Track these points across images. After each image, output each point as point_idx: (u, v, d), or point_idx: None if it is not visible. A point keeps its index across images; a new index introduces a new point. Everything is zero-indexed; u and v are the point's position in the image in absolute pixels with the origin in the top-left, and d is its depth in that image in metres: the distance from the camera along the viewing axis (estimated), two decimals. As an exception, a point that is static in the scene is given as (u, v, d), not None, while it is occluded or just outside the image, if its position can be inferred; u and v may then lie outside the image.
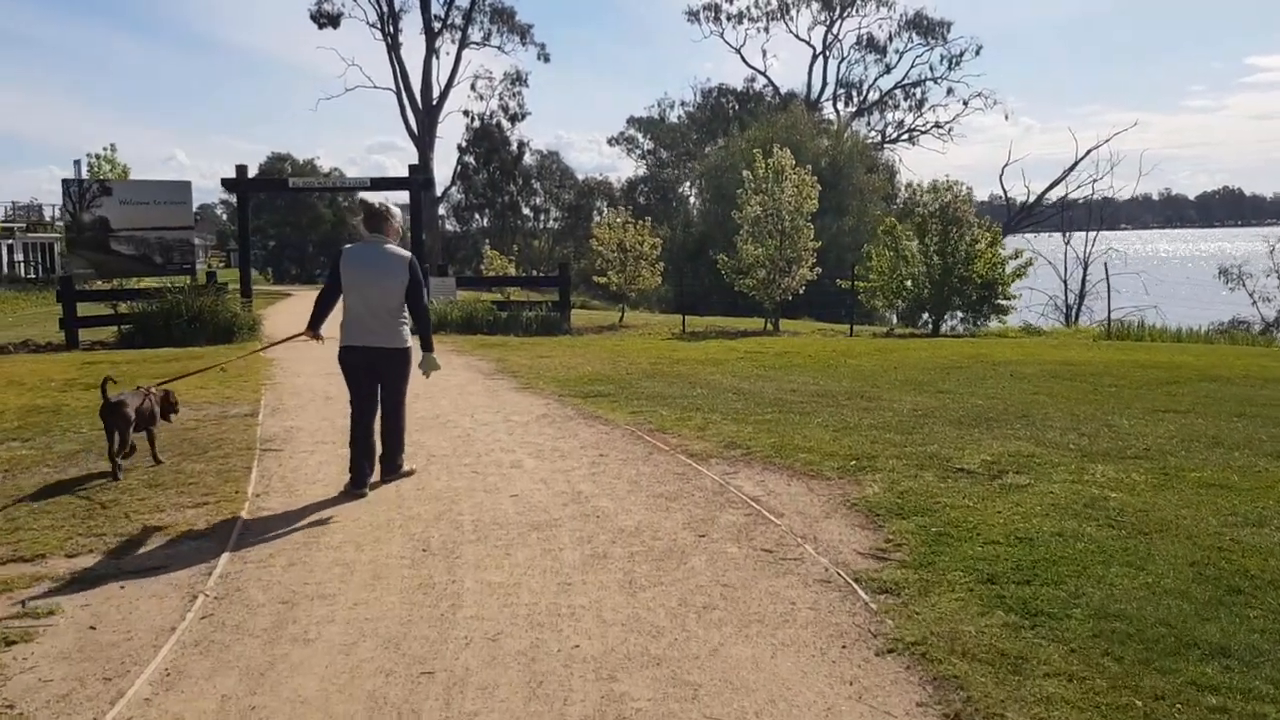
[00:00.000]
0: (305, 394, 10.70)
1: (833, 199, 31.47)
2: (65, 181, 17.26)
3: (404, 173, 21.39)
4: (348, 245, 6.69)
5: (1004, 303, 20.09)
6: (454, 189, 63.65)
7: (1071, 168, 51.94)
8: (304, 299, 34.78)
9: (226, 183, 18.77)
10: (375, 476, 6.58)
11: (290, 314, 25.32)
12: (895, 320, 25.57)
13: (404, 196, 20.41)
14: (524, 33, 59.60)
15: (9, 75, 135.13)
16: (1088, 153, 52.65)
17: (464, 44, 57.62)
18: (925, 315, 20.52)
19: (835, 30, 62.08)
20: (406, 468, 6.82)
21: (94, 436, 8.37)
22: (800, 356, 14.05)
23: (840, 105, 62.32)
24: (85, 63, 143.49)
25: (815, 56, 62.41)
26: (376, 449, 6.60)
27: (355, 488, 6.38)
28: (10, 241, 45.23)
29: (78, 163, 18.99)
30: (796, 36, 63.27)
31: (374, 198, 6.69)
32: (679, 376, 11.62)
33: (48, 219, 47.73)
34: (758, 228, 19.18)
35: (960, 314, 20.61)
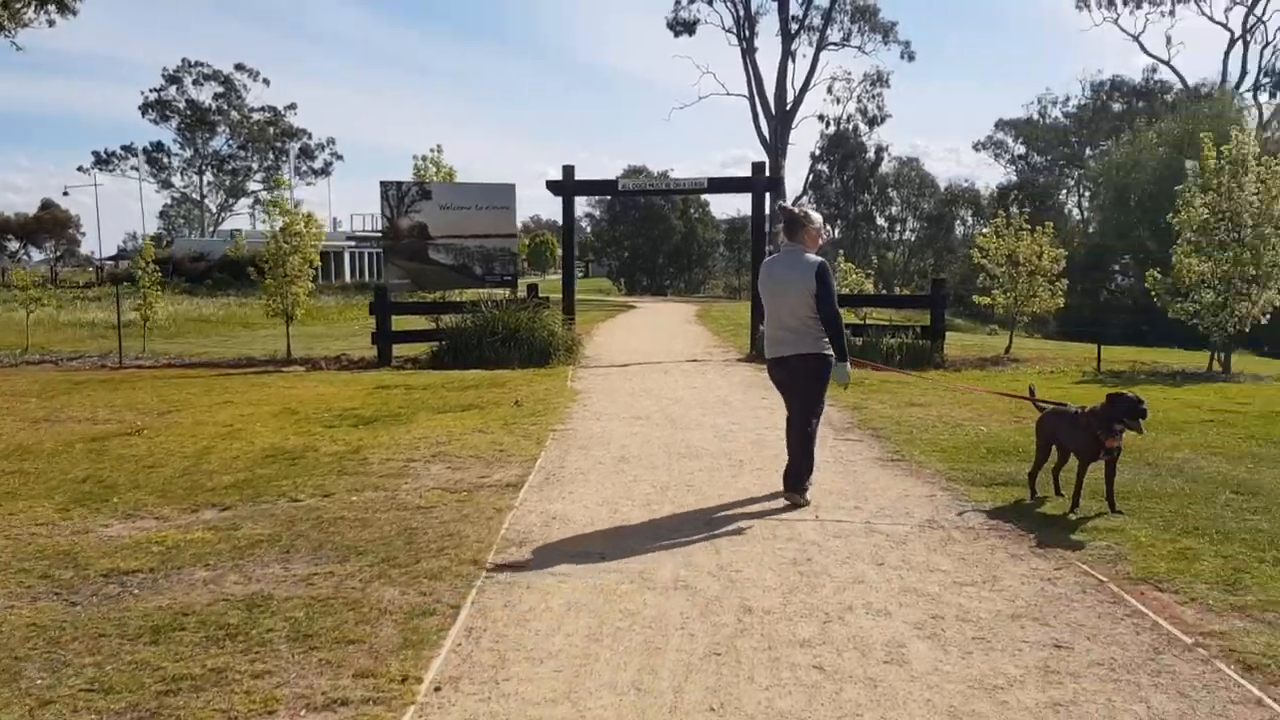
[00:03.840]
0: (597, 450, 8.09)
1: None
2: (383, 184, 15.92)
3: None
4: (769, 256, 6.93)
5: None
6: (805, 199, 60.79)
7: None
8: (647, 313, 33.09)
9: (551, 185, 16.84)
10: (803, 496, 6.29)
11: (627, 331, 23.44)
12: None
13: (746, 201, 17.68)
14: (886, 31, 55.77)
15: (410, 100, 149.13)
16: None
17: (822, 45, 54.69)
18: None
19: (1259, 10, 52.83)
20: (809, 494, 6.33)
21: (311, 507, 6.12)
22: (1302, 422, 9.64)
23: (1264, 97, 52.89)
24: (460, 82, 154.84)
25: (1233, 42, 53.47)
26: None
27: (785, 491, 6.36)
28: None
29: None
30: (1210, 19, 54.68)
31: (790, 204, 6.76)
32: (1126, 451, 7.83)
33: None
34: (1205, 236, 14.49)
35: None
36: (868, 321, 17.29)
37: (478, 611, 4.36)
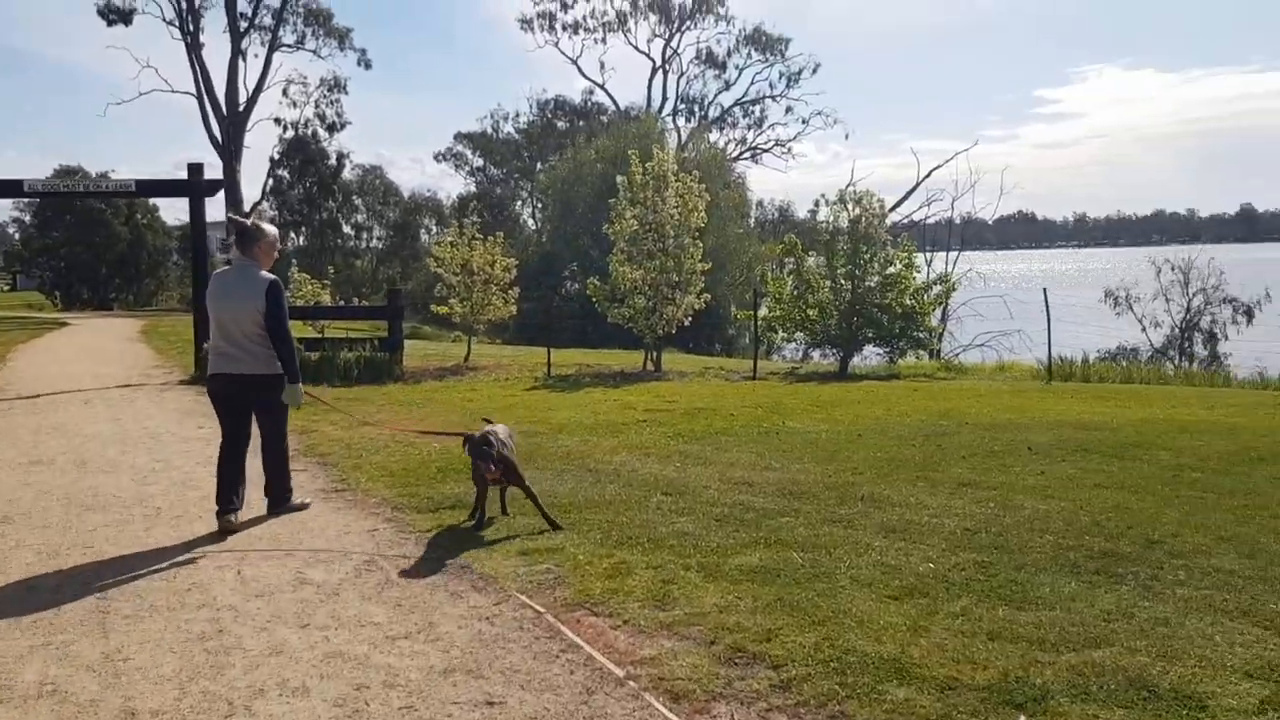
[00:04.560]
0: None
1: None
2: None
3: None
4: (219, 268, 6.56)
5: (923, 335, 17.24)
6: (265, 205, 57.78)
7: (913, 189, 50.90)
8: (82, 331, 28.93)
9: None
10: (244, 511, 6.19)
11: (50, 354, 20.18)
12: (800, 355, 22.77)
13: (184, 205, 16.04)
14: (342, 37, 54.63)
15: None
16: (929, 173, 51.62)
17: (275, 46, 52.22)
18: (830, 350, 17.41)
19: (674, 44, 59.59)
20: (297, 500, 6.49)
21: None
22: (718, 416, 10.59)
23: (681, 121, 59.81)
24: None
25: (655, 70, 59.73)
26: (244, 480, 6.21)
27: (220, 515, 5.99)
28: None
29: None
30: (636, 49, 60.45)
31: (243, 216, 6.41)
32: (571, 459, 8.00)
33: None
34: (635, 246, 15.70)
35: (876, 348, 17.63)
36: (325, 335, 16.53)
37: None
